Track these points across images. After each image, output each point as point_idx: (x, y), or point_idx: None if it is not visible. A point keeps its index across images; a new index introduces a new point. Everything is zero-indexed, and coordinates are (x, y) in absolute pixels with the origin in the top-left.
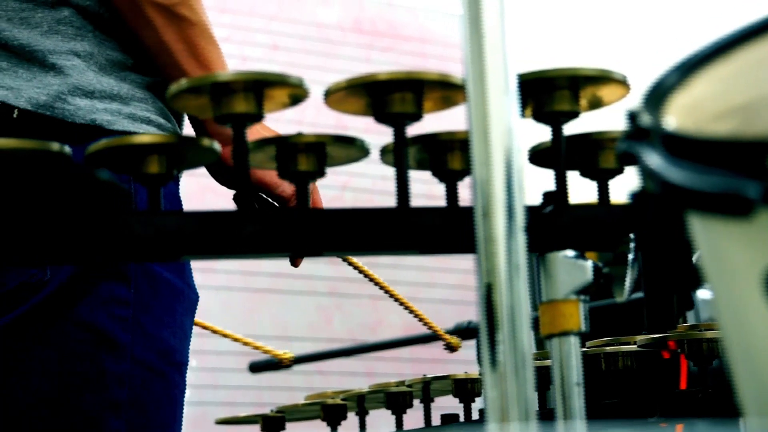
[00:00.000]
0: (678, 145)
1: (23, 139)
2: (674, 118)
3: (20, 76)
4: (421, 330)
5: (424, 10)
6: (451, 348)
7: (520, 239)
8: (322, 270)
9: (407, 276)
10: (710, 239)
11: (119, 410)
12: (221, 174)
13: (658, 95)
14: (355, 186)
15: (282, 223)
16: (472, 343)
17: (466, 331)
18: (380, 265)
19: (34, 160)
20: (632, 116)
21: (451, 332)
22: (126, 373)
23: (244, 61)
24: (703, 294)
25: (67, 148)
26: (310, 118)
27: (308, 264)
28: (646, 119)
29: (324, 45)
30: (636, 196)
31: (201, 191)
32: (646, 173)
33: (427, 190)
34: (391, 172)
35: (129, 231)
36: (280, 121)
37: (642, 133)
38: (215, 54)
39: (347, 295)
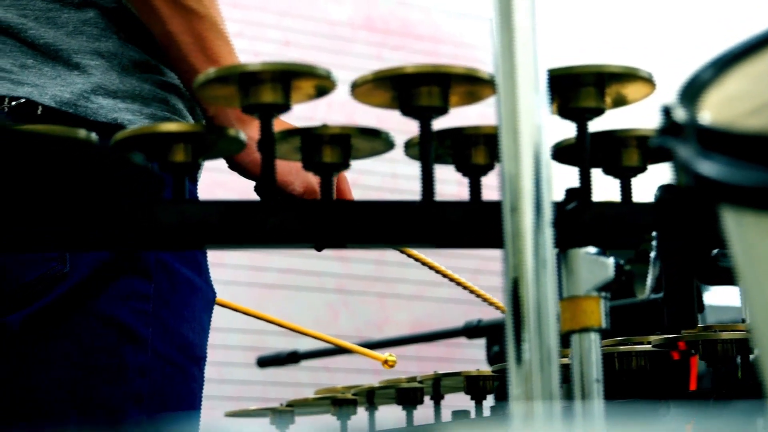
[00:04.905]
0: (712, 139)
1: (52, 125)
2: (709, 113)
3: (45, 74)
4: (433, 328)
5: (436, 10)
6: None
7: (548, 234)
8: (330, 267)
9: (414, 274)
10: (743, 233)
11: (141, 402)
12: (235, 167)
13: (694, 90)
14: (364, 184)
15: (306, 215)
16: (481, 342)
17: (475, 330)
18: (388, 263)
19: (62, 146)
20: (666, 111)
21: (460, 332)
22: (147, 366)
23: (256, 57)
24: (710, 298)
25: (93, 135)
26: (321, 115)
27: (316, 261)
28: (680, 114)
29: (335, 42)
30: (664, 191)
31: (211, 186)
32: (680, 167)
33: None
34: (400, 169)
35: (153, 219)
36: (288, 118)
37: (676, 127)
38: (225, 49)
39: (354, 292)
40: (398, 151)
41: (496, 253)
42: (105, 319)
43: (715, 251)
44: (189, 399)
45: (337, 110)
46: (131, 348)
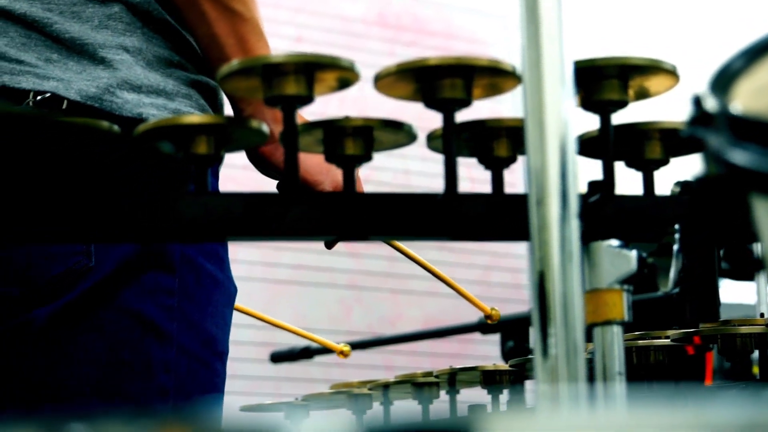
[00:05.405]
0: (744, 129)
1: (75, 117)
2: (740, 102)
3: (70, 69)
4: (446, 323)
5: (449, 6)
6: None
7: (574, 227)
8: (343, 263)
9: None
10: None
11: (166, 397)
12: (265, 166)
13: (725, 80)
14: (376, 179)
15: (328, 207)
16: (495, 338)
17: (489, 326)
18: (401, 259)
19: (85, 137)
20: (697, 101)
21: (474, 327)
22: (172, 361)
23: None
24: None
25: (116, 127)
26: (333, 111)
27: (329, 257)
28: (711, 103)
29: (348, 38)
30: (681, 186)
31: (223, 180)
32: (711, 156)
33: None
34: (412, 166)
35: (176, 211)
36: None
37: (707, 117)
38: (265, 51)
39: (367, 288)
40: (410, 148)
41: (508, 250)
42: (130, 313)
43: (749, 246)
44: (212, 394)
45: (349, 106)
46: (156, 343)
